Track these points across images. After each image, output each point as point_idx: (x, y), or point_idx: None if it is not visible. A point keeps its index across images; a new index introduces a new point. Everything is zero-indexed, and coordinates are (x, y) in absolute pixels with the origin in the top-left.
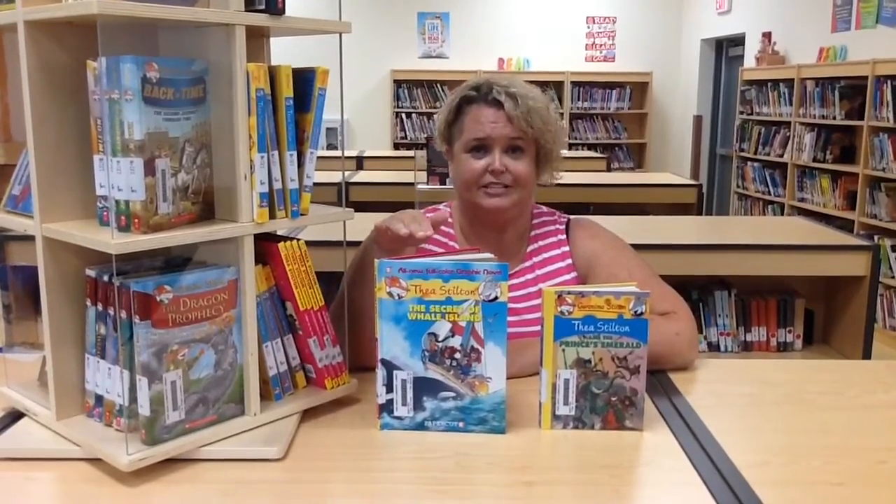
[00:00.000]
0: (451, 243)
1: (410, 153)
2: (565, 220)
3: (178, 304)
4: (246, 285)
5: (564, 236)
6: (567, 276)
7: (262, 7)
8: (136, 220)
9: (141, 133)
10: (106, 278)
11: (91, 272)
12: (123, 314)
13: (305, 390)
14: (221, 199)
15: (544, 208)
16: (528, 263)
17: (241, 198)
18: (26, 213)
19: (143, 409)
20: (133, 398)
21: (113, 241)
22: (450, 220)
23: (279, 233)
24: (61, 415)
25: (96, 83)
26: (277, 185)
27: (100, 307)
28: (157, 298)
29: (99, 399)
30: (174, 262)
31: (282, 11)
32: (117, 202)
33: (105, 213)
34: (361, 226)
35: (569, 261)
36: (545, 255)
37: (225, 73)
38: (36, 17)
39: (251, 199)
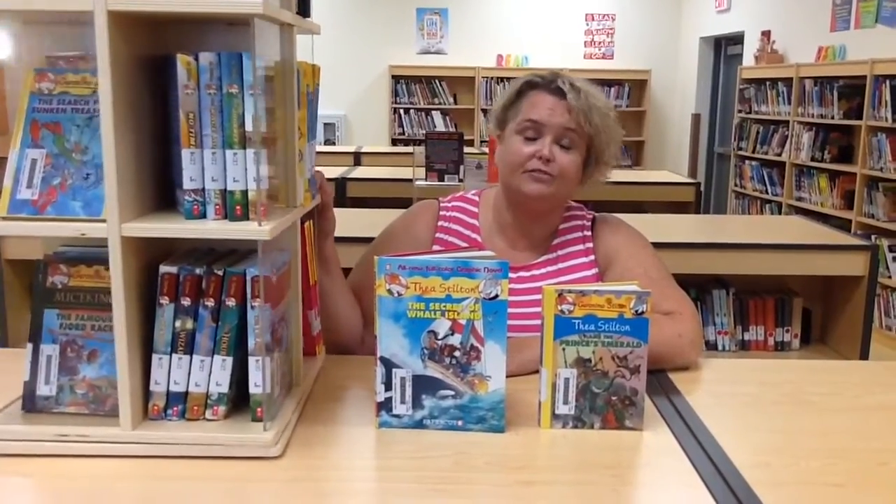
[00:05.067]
0: (474, 235)
1: (409, 149)
2: (591, 216)
3: (279, 285)
4: (296, 265)
5: (590, 232)
6: (587, 273)
7: (296, 11)
8: (263, 208)
9: (263, 125)
10: (199, 271)
11: (171, 268)
12: (231, 302)
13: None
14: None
15: (573, 203)
16: (551, 255)
17: (296, 183)
18: (64, 216)
19: (265, 388)
20: (232, 383)
21: (265, 228)
22: (475, 210)
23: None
24: (135, 423)
25: (189, 77)
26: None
27: (186, 302)
28: (273, 280)
29: (178, 397)
30: (219, 251)
31: (308, 15)
32: (230, 192)
33: (195, 207)
34: (359, 221)
35: (592, 257)
36: (570, 249)
37: (268, 69)
38: (139, 9)
39: (301, 185)
